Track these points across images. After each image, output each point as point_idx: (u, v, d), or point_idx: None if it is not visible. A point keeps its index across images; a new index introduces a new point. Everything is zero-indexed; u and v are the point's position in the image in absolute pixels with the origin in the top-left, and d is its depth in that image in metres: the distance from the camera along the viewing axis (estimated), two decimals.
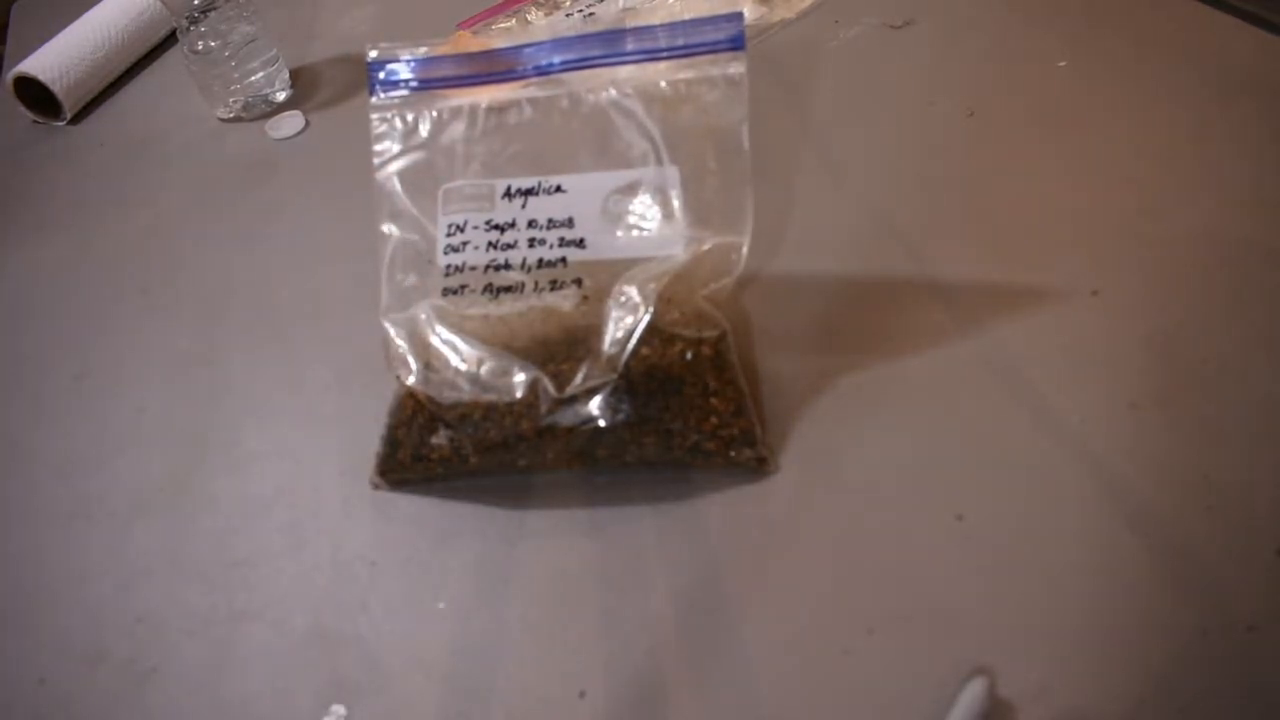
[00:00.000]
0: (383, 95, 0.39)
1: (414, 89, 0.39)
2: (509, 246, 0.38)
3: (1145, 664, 0.30)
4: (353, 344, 0.44)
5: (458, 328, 0.37)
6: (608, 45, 0.37)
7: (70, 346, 0.48)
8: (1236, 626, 0.30)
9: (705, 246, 0.36)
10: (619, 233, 0.37)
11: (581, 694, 0.31)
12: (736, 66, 0.36)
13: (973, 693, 0.29)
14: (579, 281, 0.37)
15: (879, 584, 0.33)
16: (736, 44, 0.36)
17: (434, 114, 0.39)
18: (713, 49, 0.37)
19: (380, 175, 0.39)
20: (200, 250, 0.53)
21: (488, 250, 0.38)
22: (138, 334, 0.48)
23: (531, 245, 0.37)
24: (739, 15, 0.36)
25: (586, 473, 0.37)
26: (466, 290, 0.37)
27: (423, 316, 0.37)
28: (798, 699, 0.30)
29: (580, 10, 0.67)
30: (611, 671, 0.32)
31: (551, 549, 0.35)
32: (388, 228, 0.38)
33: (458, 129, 0.39)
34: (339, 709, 0.32)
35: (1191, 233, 0.43)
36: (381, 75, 0.39)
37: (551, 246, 0.37)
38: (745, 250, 0.37)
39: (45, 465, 0.42)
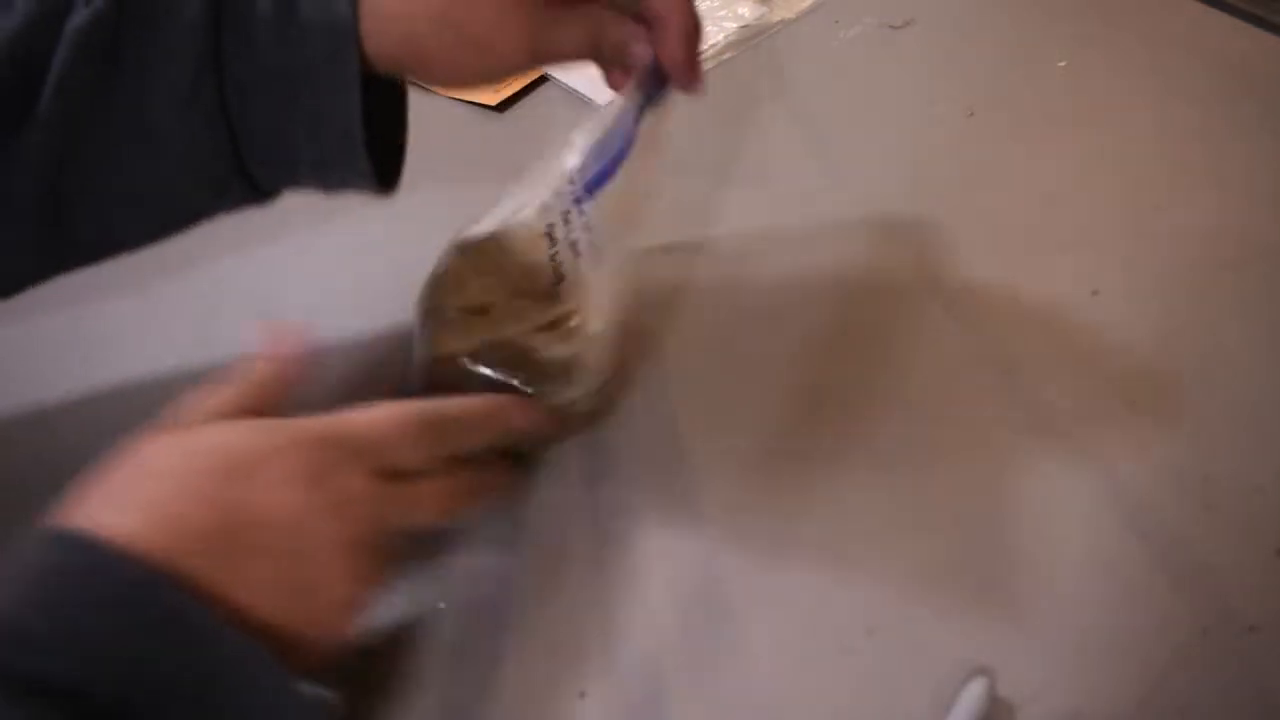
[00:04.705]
0: None
1: None
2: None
3: (1145, 664, 0.30)
4: (354, 344, 0.44)
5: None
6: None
7: (71, 346, 0.48)
8: (1236, 626, 0.30)
9: None
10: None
11: (581, 694, 0.31)
12: None
13: (973, 693, 0.29)
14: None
15: (879, 584, 0.33)
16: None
17: None
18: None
19: None
20: (200, 250, 0.53)
21: None
22: (138, 334, 0.48)
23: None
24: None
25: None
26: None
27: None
28: (798, 699, 0.30)
29: None
30: (611, 671, 0.32)
31: (551, 549, 0.35)
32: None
33: None
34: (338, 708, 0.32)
35: (1192, 232, 0.43)
36: None
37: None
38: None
39: (46, 467, 0.42)
